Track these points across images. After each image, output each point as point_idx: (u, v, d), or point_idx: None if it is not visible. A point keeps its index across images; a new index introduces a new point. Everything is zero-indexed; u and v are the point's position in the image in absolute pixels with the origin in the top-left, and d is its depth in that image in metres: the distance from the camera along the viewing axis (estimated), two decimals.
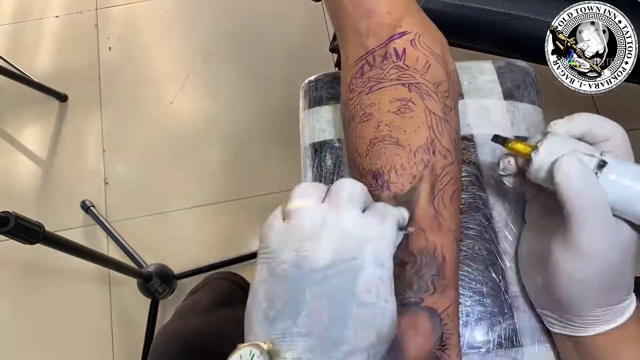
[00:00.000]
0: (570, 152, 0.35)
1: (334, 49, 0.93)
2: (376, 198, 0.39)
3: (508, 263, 0.44)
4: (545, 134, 0.37)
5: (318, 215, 0.33)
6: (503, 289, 0.43)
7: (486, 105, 0.51)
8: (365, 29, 0.44)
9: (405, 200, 0.39)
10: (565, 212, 0.34)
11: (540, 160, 0.36)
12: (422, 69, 0.43)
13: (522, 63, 0.55)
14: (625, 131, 0.37)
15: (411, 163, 0.40)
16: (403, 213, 0.37)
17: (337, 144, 0.51)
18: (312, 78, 0.56)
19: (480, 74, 0.53)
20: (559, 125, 0.37)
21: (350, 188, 0.35)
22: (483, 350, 0.41)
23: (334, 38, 0.92)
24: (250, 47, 1.47)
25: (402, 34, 0.44)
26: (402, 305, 0.36)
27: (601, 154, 0.35)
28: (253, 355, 0.27)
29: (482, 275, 0.44)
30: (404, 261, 0.38)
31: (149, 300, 1.20)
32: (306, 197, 0.34)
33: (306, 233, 0.32)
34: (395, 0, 0.45)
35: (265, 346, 0.27)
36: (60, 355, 1.21)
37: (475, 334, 0.42)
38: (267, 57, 1.46)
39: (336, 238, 0.31)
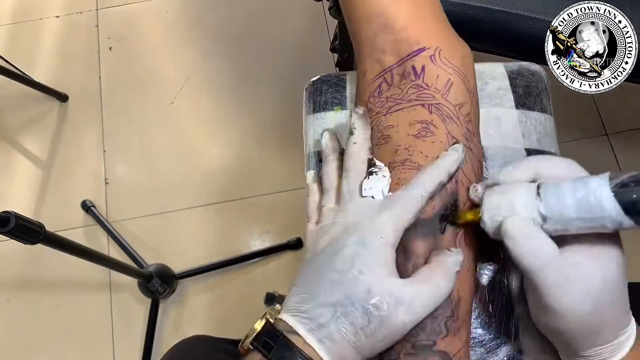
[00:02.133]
0: (510, 208, 0.34)
1: (335, 48, 0.93)
2: None
3: (514, 284, 0.43)
4: (492, 185, 0.37)
5: (331, 217, 0.40)
6: (509, 309, 0.42)
7: (497, 115, 0.50)
8: (381, 45, 0.43)
9: (428, 226, 0.38)
10: (523, 274, 0.34)
11: (488, 224, 0.35)
12: (443, 88, 0.41)
13: (535, 67, 0.54)
14: (578, 165, 0.36)
15: None
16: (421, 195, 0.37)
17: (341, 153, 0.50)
18: (315, 78, 0.54)
19: (492, 80, 0.52)
20: (505, 174, 0.37)
21: (349, 186, 0.40)
22: None
23: (335, 38, 0.92)
24: (250, 46, 1.47)
25: (421, 50, 0.41)
26: (414, 348, 0.36)
27: (537, 188, 0.34)
28: (265, 313, 0.37)
29: (489, 296, 0.43)
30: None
31: (149, 302, 1.20)
32: (325, 203, 0.42)
33: (322, 231, 0.40)
34: (413, 14, 0.43)
35: (277, 307, 0.38)
36: (61, 355, 1.21)
37: (481, 355, 0.41)
38: (267, 57, 1.46)
39: (337, 230, 0.38)
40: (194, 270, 1.22)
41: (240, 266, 1.25)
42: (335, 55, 0.96)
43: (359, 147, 0.41)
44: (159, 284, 1.15)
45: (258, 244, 1.27)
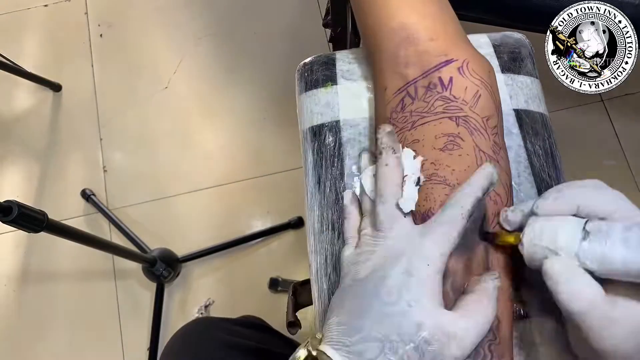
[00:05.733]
0: (553, 240, 0.33)
1: (327, 24, 0.92)
2: None
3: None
4: (531, 214, 0.35)
5: (371, 244, 0.38)
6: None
7: None
8: (404, 57, 0.41)
9: (459, 244, 0.36)
10: (563, 313, 0.33)
11: (527, 252, 0.34)
12: (471, 100, 0.39)
13: (517, 35, 0.54)
14: (626, 199, 0.33)
15: None
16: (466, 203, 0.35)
17: (335, 126, 0.50)
18: (307, 60, 0.55)
19: (477, 48, 0.52)
20: (544, 206, 0.34)
21: (386, 211, 0.38)
22: None
23: (327, 13, 0.92)
24: (242, 27, 1.46)
25: (449, 61, 0.40)
26: None
27: (584, 224, 0.32)
28: (307, 342, 0.35)
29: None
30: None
31: (154, 287, 1.21)
32: (364, 227, 0.40)
33: (362, 258, 0.38)
34: (438, 28, 0.41)
35: (318, 335, 0.35)
36: (69, 342, 1.22)
37: None
38: (259, 36, 1.45)
39: (379, 257, 0.36)
40: (198, 253, 1.23)
41: (243, 247, 1.26)
42: (328, 31, 0.95)
43: (391, 169, 0.38)
44: (163, 267, 1.16)
45: (259, 225, 1.28)
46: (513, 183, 0.46)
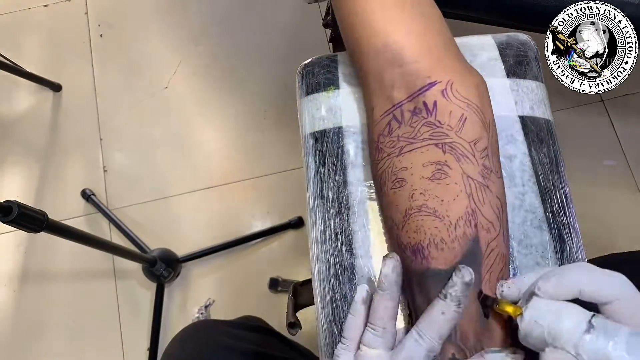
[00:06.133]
0: (555, 324, 0.32)
1: (327, 24, 0.92)
2: (418, 274, 0.38)
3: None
4: (532, 294, 0.34)
5: None
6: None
7: (489, 84, 0.50)
8: (390, 79, 0.41)
9: (449, 278, 0.36)
10: None
11: (526, 328, 0.33)
12: (457, 125, 0.39)
13: (523, 36, 0.54)
14: (633, 286, 0.32)
15: (452, 237, 0.37)
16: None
17: (337, 133, 0.49)
18: (307, 61, 0.54)
19: (481, 51, 0.51)
20: (546, 288, 0.33)
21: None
22: None
23: (327, 13, 0.92)
24: (242, 27, 1.46)
25: (432, 84, 0.39)
26: None
27: (591, 318, 0.32)
28: None
29: None
30: (455, 357, 0.36)
31: (154, 287, 1.21)
32: (370, 345, 0.38)
33: None
34: (422, 46, 0.40)
35: None
36: (70, 343, 1.22)
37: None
38: (259, 36, 1.45)
39: None
40: (198, 253, 1.23)
41: (243, 247, 1.26)
42: (328, 31, 0.95)
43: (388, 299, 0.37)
44: (163, 267, 1.16)
45: (259, 225, 1.28)
46: (517, 192, 0.45)
